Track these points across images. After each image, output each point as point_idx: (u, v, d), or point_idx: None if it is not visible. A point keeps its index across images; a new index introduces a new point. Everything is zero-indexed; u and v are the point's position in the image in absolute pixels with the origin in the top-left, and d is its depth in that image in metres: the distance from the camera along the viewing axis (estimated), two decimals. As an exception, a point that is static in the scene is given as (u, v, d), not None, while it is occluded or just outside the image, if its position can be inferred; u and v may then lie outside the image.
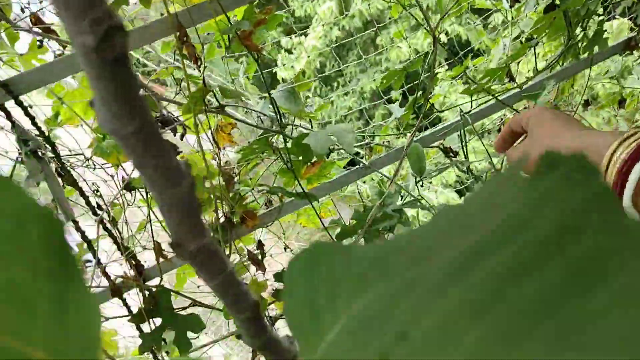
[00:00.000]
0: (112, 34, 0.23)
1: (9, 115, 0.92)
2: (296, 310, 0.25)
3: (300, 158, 1.07)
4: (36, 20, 0.94)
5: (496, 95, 1.28)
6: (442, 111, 1.19)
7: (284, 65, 4.63)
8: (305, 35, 5.09)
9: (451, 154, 1.35)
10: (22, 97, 0.92)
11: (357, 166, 1.22)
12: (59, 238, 0.23)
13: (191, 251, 0.36)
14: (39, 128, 0.93)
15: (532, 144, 0.75)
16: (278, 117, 1.02)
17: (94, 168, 1.02)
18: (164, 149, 0.30)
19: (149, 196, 1.02)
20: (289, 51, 5.47)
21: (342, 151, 1.33)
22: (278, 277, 1.11)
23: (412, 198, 1.27)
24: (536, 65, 1.35)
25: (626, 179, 0.59)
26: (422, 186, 1.38)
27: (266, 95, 1.02)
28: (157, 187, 0.29)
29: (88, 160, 1.01)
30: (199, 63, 0.98)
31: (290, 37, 5.03)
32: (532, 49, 1.30)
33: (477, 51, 1.92)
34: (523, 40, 1.44)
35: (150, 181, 0.29)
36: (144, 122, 0.28)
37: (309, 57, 4.98)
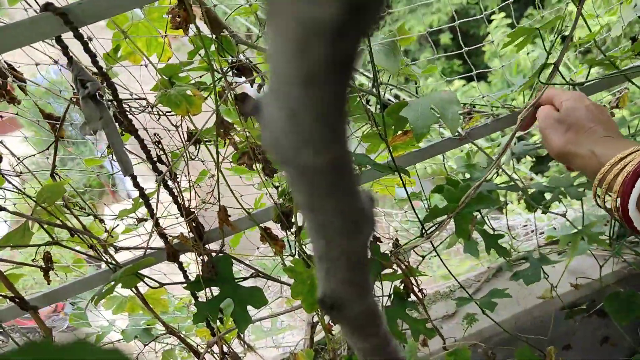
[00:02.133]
0: (367, 10, 0.11)
1: (65, 50, 0.79)
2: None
3: (393, 127, 0.92)
4: None
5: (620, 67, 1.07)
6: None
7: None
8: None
9: None
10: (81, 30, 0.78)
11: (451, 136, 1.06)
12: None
13: (354, 314, 0.24)
14: (99, 68, 0.79)
15: (555, 128, 0.80)
16: (373, 75, 0.85)
17: (159, 117, 0.88)
18: (354, 187, 0.18)
19: (217, 153, 0.89)
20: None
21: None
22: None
23: (509, 178, 1.10)
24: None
25: (632, 186, 0.64)
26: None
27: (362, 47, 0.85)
28: (329, 235, 0.20)
29: (153, 107, 0.87)
30: None
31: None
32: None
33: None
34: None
35: (320, 227, 0.20)
36: (342, 153, 0.16)
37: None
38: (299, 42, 0.11)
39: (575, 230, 1.14)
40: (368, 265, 0.22)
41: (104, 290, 0.87)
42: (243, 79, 0.86)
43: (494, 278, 1.44)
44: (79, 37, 0.75)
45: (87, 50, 0.77)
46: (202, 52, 0.85)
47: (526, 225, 1.68)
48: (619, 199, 0.66)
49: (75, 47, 0.78)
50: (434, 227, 1.00)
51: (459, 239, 0.99)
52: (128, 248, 0.97)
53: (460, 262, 1.87)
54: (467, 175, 1.01)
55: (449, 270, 1.08)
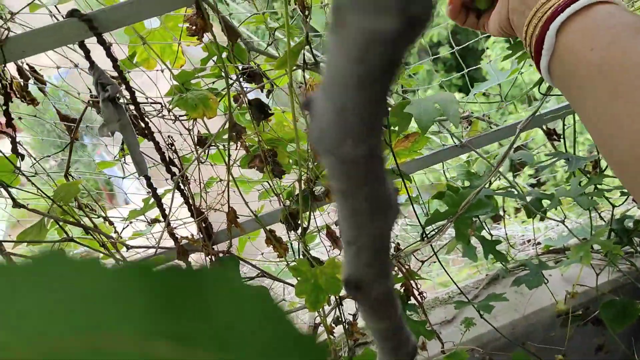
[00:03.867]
0: (419, 23, 0.14)
1: (88, 55, 0.82)
2: None
3: (396, 128, 0.95)
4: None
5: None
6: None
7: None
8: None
9: (554, 137, 1.21)
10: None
11: (452, 144, 1.09)
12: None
13: (375, 294, 0.26)
14: (120, 72, 0.83)
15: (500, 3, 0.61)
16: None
17: (174, 120, 0.92)
18: (384, 176, 0.21)
19: (228, 156, 0.92)
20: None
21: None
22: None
23: (507, 184, 1.14)
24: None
25: (542, 46, 0.52)
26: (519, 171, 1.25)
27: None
28: (360, 220, 0.22)
29: (169, 111, 0.90)
30: (306, 12, 0.85)
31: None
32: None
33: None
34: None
35: (353, 213, 0.22)
36: (376, 146, 0.19)
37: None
38: (360, 49, 0.14)
39: (580, 238, 1.17)
40: (389, 250, 0.24)
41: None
42: (247, 86, 0.90)
43: (492, 285, 1.47)
44: (102, 42, 0.79)
45: (109, 54, 0.81)
46: (215, 58, 0.89)
47: (523, 236, 1.71)
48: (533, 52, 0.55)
49: (94, 53, 0.82)
50: (434, 231, 1.04)
51: (458, 244, 1.03)
52: (140, 247, 1.00)
53: (459, 271, 1.90)
54: (467, 183, 1.05)
55: (448, 275, 1.11)
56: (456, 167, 1.22)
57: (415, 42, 0.15)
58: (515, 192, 1.11)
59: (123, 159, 1.01)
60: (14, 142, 0.91)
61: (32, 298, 0.12)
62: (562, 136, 1.19)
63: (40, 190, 0.91)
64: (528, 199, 1.08)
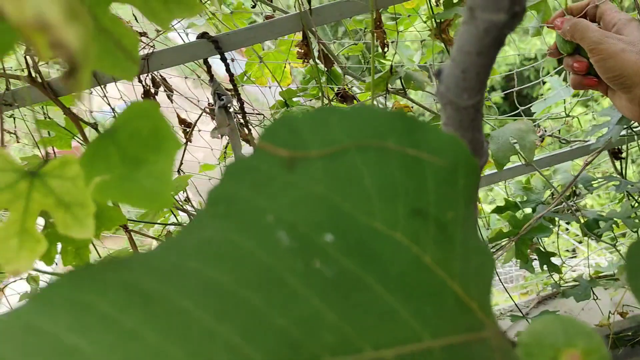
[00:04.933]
0: (519, 16, 0.24)
1: (209, 69, 0.99)
2: None
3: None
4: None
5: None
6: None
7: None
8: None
9: (620, 156, 1.25)
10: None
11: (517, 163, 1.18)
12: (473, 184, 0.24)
13: None
14: (235, 85, 0.99)
15: (622, 47, 0.57)
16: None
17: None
18: (480, 126, 0.32)
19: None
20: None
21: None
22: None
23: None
24: None
25: None
26: (578, 195, 1.31)
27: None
28: None
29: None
30: (385, 49, 0.99)
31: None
32: None
33: None
34: None
35: None
36: (480, 100, 0.29)
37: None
38: (483, 32, 0.26)
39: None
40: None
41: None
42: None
43: (542, 305, 1.52)
44: (223, 59, 0.96)
45: (228, 70, 0.98)
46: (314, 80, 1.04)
47: (574, 256, 1.75)
48: None
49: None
50: (496, 248, 1.12)
51: (516, 259, 1.10)
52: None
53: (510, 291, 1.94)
54: (525, 198, 1.12)
55: (506, 290, 1.18)
56: (515, 183, 1.30)
57: (513, 30, 0.27)
58: (572, 214, 1.17)
59: (224, 162, 1.17)
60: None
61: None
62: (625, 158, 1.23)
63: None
64: (584, 220, 1.14)
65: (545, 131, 1.18)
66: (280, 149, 0.21)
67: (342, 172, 0.21)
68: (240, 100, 1.02)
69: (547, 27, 0.67)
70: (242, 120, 1.04)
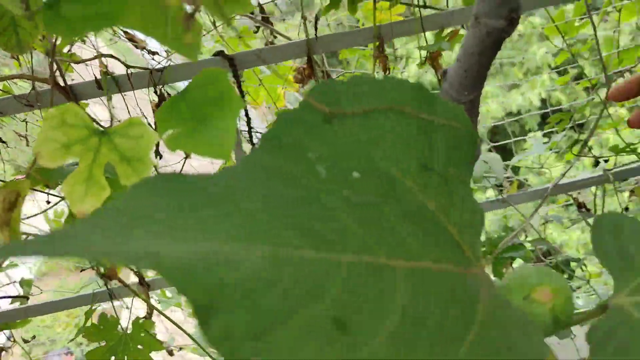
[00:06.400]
0: (515, 22, 0.31)
1: (240, 85, 1.06)
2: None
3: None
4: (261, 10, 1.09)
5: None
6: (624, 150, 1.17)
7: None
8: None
9: (583, 209, 1.35)
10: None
11: (494, 197, 1.26)
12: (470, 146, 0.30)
13: None
14: (244, 103, 1.06)
15: None
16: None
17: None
18: (477, 120, 0.38)
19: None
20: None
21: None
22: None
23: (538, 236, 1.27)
24: None
25: None
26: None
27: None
28: None
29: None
30: (386, 73, 1.07)
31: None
32: None
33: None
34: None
35: None
36: (478, 96, 0.36)
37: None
38: (485, 35, 0.32)
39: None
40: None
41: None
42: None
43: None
44: (236, 76, 1.02)
45: (240, 88, 1.04)
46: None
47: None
48: None
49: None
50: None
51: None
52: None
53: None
54: (503, 234, 1.20)
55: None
56: (495, 221, 1.37)
57: (510, 34, 0.33)
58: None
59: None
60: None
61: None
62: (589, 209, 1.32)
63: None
64: (560, 258, 1.21)
65: (513, 175, 1.29)
66: (323, 105, 0.27)
67: (369, 127, 0.27)
68: (248, 118, 1.08)
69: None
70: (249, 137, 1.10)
